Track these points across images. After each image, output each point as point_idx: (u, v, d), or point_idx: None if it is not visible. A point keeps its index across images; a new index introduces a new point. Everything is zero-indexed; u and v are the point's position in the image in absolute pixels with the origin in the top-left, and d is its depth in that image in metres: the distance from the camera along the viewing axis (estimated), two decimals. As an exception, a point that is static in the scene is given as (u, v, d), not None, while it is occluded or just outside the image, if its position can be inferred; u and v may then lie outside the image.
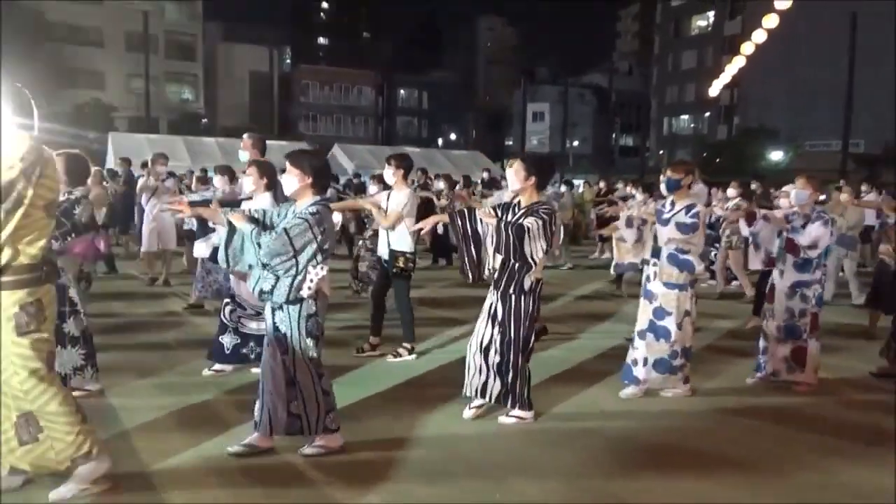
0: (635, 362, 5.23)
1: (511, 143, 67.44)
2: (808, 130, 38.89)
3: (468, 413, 4.64)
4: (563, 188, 15.05)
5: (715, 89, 23.54)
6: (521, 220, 4.37)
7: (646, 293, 5.23)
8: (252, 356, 5.38)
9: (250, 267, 3.83)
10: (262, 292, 3.78)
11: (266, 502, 3.49)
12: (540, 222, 4.32)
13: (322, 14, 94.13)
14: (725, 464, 4.03)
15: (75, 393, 4.55)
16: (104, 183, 11.03)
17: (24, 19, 35.49)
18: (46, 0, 41.95)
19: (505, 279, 4.45)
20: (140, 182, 10.54)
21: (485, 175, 18.33)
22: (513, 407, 4.56)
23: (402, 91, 69.18)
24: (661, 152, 59.90)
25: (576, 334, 7.35)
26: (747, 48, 17.78)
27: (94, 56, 46.13)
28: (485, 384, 4.55)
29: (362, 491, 3.62)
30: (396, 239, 5.96)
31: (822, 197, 9.07)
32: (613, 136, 64.19)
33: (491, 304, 4.55)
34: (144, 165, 12.60)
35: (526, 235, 4.28)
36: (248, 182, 5.46)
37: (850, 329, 7.70)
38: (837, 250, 9.21)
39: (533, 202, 4.49)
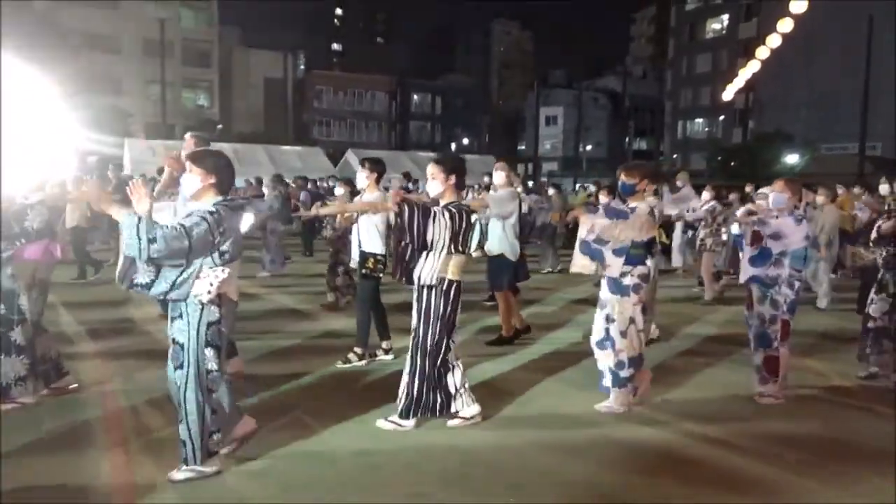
0: (601, 375, 5.13)
1: (524, 147, 67.40)
2: (825, 134, 38.57)
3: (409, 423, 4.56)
4: (552, 191, 15.16)
5: (729, 93, 23.39)
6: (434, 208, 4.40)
7: (599, 301, 5.13)
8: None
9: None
10: (137, 284, 3.52)
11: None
12: (446, 212, 4.33)
13: (336, 20, 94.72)
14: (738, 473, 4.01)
15: (7, 406, 4.58)
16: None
17: (40, 27, 35.89)
18: (64, 8, 42.43)
19: (403, 266, 4.43)
20: (157, 188, 10.59)
21: (486, 179, 18.31)
22: (414, 416, 4.48)
23: (415, 96, 69.33)
24: (675, 156, 59.65)
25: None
26: (762, 52, 17.66)
27: (111, 62, 46.62)
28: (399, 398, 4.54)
29: (378, 495, 3.63)
30: (367, 241, 5.98)
31: (807, 202, 9.00)
32: (627, 139, 63.93)
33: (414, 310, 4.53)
34: (161, 171, 12.69)
35: (431, 219, 4.28)
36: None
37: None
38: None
39: (451, 202, 4.49)
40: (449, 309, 4.42)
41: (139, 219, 3.37)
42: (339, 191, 8.59)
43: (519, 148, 70.10)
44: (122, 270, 3.55)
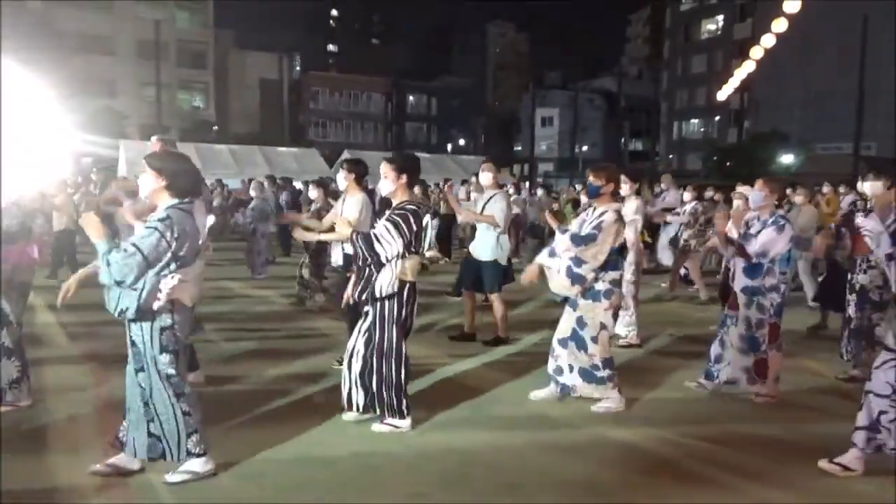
0: (559, 370, 5.11)
1: (520, 147, 67.43)
2: (820, 134, 38.66)
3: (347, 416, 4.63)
4: (540, 191, 15.20)
5: (724, 93, 23.46)
6: (372, 229, 4.42)
7: (571, 301, 5.08)
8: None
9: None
10: (122, 311, 3.49)
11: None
12: (390, 224, 4.32)
13: (332, 21, 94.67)
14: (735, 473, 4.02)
15: (6, 409, 4.55)
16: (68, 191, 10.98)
17: (36, 28, 35.80)
18: (58, 9, 42.34)
19: (362, 285, 4.43)
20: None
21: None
22: (383, 415, 4.49)
23: (411, 97, 69.33)
24: (670, 157, 59.71)
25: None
26: (756, 52, 17.70)
27: (106, 64, 46.49)
28: (349, 394, 4.54)
29: (376, 496, 3.63)
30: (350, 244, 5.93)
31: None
32: (623, 140, 64.01)
33: (366, 311, 4.53)
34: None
35: (375, 242, 4.31)
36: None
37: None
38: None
39: (402, 201, 4.48)
40: (404, 311, 4.43)
41: (106, 248, 3.42)
42: (314, 193, 8.59)
43: (515, 149, 70.10)
44: (107, 299, 3.54)
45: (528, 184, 24.45)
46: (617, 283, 4.99)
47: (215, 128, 50.45)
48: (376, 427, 4.47)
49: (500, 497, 3.65)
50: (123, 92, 46.47)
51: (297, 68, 68.35)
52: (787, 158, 37.04)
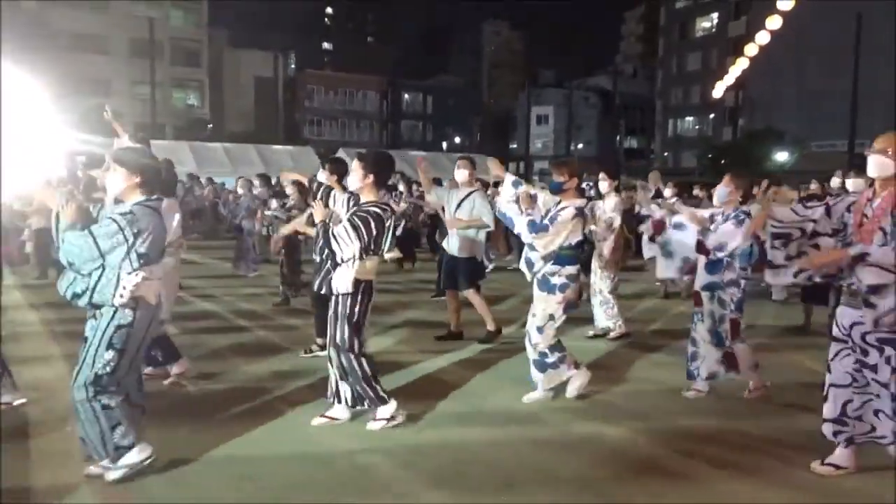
0: (530, 367, 5.22)
1: (515, 146, 67.44)
2: (815, 131, 38.76)
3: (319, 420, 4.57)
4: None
5: (719, 91, 23.50)
6: (333, 229, 4.38)
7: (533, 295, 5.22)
8: (160, 358, 5.34)
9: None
10: (74, 295, 3.50)
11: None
12: (349, 226, 4.29)
13: (327, 19, 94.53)
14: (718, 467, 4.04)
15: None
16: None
17: (29, 27, 35.68)
18: (52, 9, 42.18)
19: (322, 276, 4.48)
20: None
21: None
22: (374, 406, 4.51)
23: (406, 95, 69.26)
24: (665, 154, 59.84)
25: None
26: (751, 49, 17.74)
27: (100, 63, 46.32)
28: (336, 387, 4.54)
29: (371, 496, 3.63)
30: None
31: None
32: (618, 138, 64.08)
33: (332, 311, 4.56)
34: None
35: (332, 241, 4.32)
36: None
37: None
38: None
39: (367, 202, 4.45)
40: (357, 309, 4.41)
41: (67, 225, 3.44)
42: (289, 189, 8.58)
43: (510, 147, 70.10)
44: (59, 280, 3.57)
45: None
46: (573, 277, 5.02)
47: (210, 126, 50.31)
48: (371, 425, 4.47)
49: (496, 494, 3.65)
50: (117, 90, 46.30)
51: (293, 66, 68.17)
52: (781, 156, 37.13)
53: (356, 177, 4.49)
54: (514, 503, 3.57)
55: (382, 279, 10.66)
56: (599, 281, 7.28)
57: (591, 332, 7.22)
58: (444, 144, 64.30)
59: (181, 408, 4.87)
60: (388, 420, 4.47)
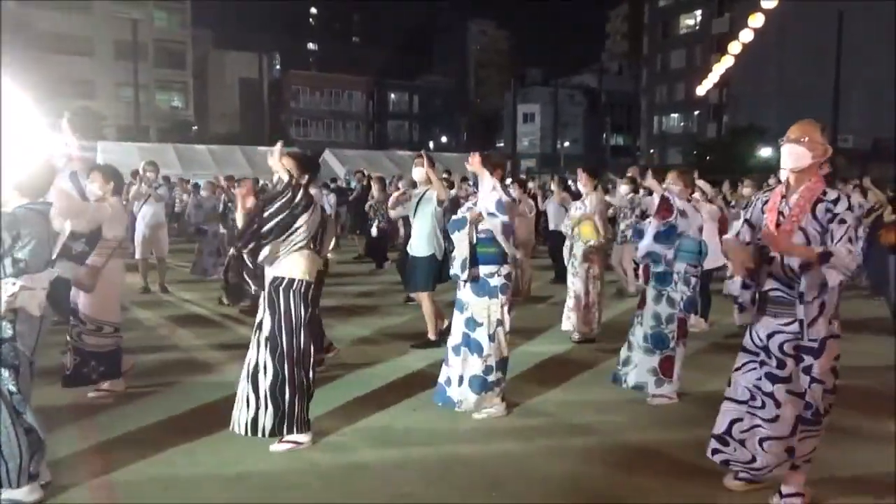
0: (448, 381, 4.81)
1: (502, 144, 67.55)
2: (798, 128, 39.06)
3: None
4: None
5: (703, 89, 23.65)
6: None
7: (458, 303, 4.85)
8: (94, 376, 5.06)
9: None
10: None
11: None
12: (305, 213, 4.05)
13: (312, 20, 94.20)
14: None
15: None
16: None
17: (13, 30, 35.32)
18: (35, 10, 41.79)
19: (268, 282, 4.11)
20: (132, 190, 10.54)
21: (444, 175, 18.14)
22: (289, 432, 4.11)
23: (392, 95, 69.19)
24: (651, 151, 60.13)
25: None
26: (734, 47, 17.86)
27: (83, 65, 46.02)
28: (255, 418, 4.04)
29: (360, 493, 3.64)
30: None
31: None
32: (604, 136, 64.32)
33: (259, 320, 4.15)
34: (135, 174, 12.57)
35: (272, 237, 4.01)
36: (94, 188, 5.19)
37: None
38: None
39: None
40: (307, 312, 4.15)
41: None
42: (242, 190, 8.51)
43: (497, 145, 70.20)
44: None
45: (509, 180, 24.40)
46: (510, 276, 4.83)
47: (195, 128, 50.07)
48: (275, 447, 4.14)
49: (483, 495, 3.66)
50: (101, 93, 46.01)
51: (277, 67, 67.95)
52: (765, 152, 37.40)
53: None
54: (504, 501, 3.59)
55: (357, 281, 10.77)
56: (576, 282, 7.07)
57: (576, 336, 7.06)
58: (431, 144, 64.27)
59: (162, 411, 4.86)
60: (298, 444, 4.19)
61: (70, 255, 4.36)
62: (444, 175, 15.07)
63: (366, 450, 4.22)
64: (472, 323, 4.73)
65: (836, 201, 3.28)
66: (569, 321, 7.13)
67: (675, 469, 3.98)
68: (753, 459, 3.49)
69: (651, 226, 5.33)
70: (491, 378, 4.72)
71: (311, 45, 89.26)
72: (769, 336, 3.42)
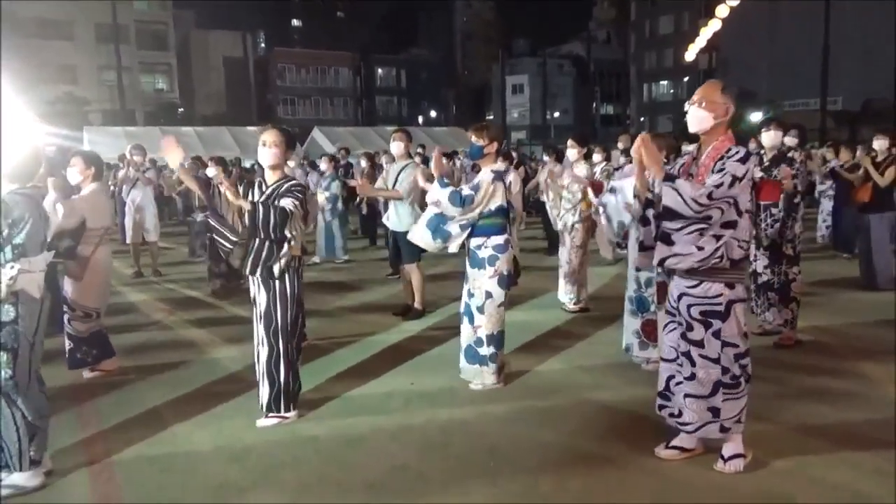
0: (459, 348, 4.91)
1: (492, 116, 67.22)
2: (787, 91, 38.98)
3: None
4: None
5: (692, 54, 23.55)
6: (278, 202, 4.04)
7: (463, 275, 4.93)
8: (89, 360, 5.16)
9: None
10: None
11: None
12: (298, 202, 4.07)
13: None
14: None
15: None
16: None
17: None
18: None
19: (262, 261, 4.07)
20: (120, 174, 10.47)
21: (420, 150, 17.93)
22: (286, 409, 4.20)
23: (380, 70, 68.60)
24: (642, 119, 59.95)
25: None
26: (722, 10, 17.76)
27: (65, 49, 45.34)
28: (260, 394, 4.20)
29: (360, 472, 3.66)
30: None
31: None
32: (594, 105, 64.04)
33: (253, 296, 4.18)
34: (122, 158, 12.48)
35: (289, 219, 4.03)
36: (74, 173, 5.21)
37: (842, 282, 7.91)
38: None
39: (281, 178, 4.17)
40: (298, 286, 4.19)
41: None
42: (211, 171, 8.65)
43: (487, 118, 69.86)
44: None
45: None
46: (502, 248, 4.70)
47: (181, 110, 49.56)
48: (261, 422, 4.19)
49: (480, 461, 3.69)
50: (84, 77, 45.44)
51: (262, 46, 67.22)
52: (755, 116, 37.34)
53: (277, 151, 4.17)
54: (499, 475, 3.63)
55: (351, 257, 10.76)
56: (566, 252, 7.07)
57: (571, 307, 7.05)
58: (420, 118, 63.95)
59: (159, 397, 4.87)
60: (284, 418, 4.23)
61: (58, 253, 4.38)
62: (419, 150, 15.03)
63: (363, 422, 4.24)
64: (469, 293, 4.81)
65: (733, 156, 3.30)
66: (563, 291, 7.16)
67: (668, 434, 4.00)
68: (681, 414, 3.56)
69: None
70: (483, 351, 4.74)
71: (295, 22, 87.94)
72: (678, 297, 3.49)
